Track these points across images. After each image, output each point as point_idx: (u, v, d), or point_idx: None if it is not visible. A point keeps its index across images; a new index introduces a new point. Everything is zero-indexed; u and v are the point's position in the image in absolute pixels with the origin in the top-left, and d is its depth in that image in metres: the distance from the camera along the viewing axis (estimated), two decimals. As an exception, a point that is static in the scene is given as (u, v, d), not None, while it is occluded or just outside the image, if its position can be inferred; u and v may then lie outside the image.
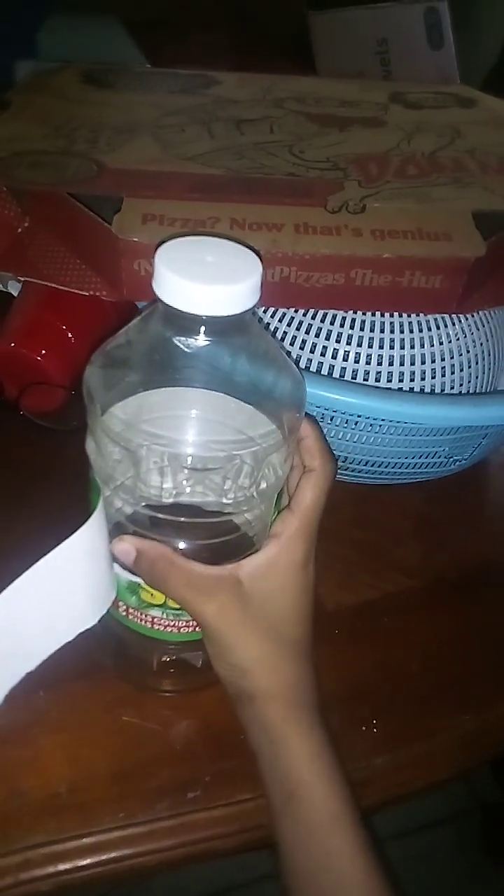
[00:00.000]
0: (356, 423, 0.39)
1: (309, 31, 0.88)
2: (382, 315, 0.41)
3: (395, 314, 0.41)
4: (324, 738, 0.30)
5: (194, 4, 0.98)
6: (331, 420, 0.39)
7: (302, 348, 0.41)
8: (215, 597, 0.29)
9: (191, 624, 0.32)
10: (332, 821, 0.29)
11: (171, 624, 0.32)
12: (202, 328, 0.26)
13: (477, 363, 0.44)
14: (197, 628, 0.32)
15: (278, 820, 0.29)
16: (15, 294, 0.48)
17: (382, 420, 0.38)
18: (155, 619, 0.32)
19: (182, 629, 0.32)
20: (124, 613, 0.32)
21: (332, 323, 0.41)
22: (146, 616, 0.32)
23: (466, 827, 0.94)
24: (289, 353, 0.41)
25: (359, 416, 0.38)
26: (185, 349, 0.27)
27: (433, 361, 0.42)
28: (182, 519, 0.29)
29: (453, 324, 0.42)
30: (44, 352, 0.44)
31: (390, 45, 0.87)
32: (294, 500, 0.30)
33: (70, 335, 0.45)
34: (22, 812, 0.31)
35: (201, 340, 0.26)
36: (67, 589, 0.29)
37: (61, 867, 0.30)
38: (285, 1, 0.97)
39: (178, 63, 0.56)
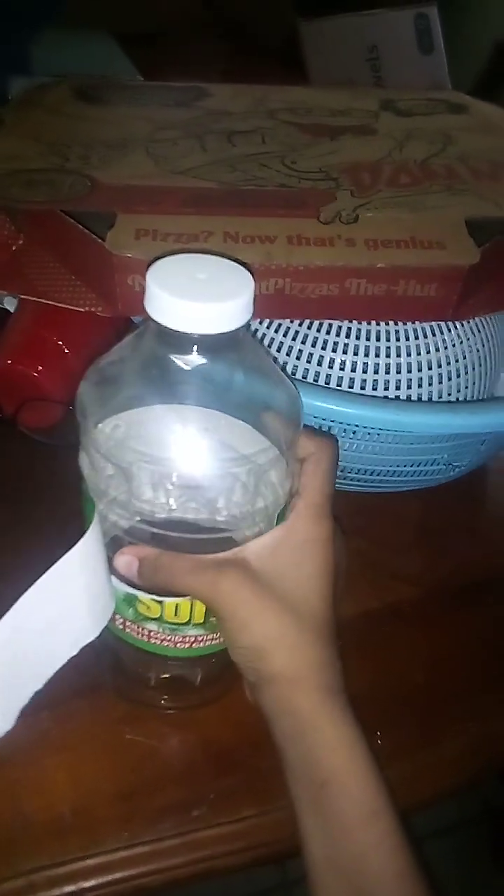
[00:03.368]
0: (354, 433, 0.39)
1: (300, 38, 0.88)
2: (377, 323, 0.41)
3: (389, 322, 0.41)
4: (357, 725, 0.28)
5: (185, 15, 0.99)
6: (328, 430, 0.39)
7: (298, 358, 0.41)
8: (225, 573, 0.27)
9: (187, 640, 0.32)
10: (370, 814, 0.27)
11: (168, 638, 0.31)
12: (194, 346, 0.26)
13: (472, 370, 0.44)
14: (194, 644, 0.32)
15: (307, 813, 0.27)
16: (11, 310, 0.48)
17: (380, 429, 0.38)
18: (152, 633, 0.31)
19: (178, 644, 0.32)
20: (121, 627, 0.32)
21: (327, 332, 0.41)
22: (143, 629, 0.31)
23: (474, 834, 0.93)
24: (283, 365, 0.41)
25: (356, 426, 0.38)
26: (178, 367, 0.26)
27: (429, 368, 0.42)
28: (176, 534, 0.29)
29: (449, 330, 0.42)
30: (40, 368, 0.44)
31: (381, 52, 0.87)
32: (300, 484, 0.29)
33: (66, 350, 0.45)
34: (25, 834, 0.30)
35: (194, 358, 0.26)
36: (68, 604, 0.28)
37: (66, 890, 0.30)
38: (276, 9, 0.98)
39: (171, 74, 0.57)
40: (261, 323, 0.41)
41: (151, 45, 0.84)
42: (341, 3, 0.87)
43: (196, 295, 0.25)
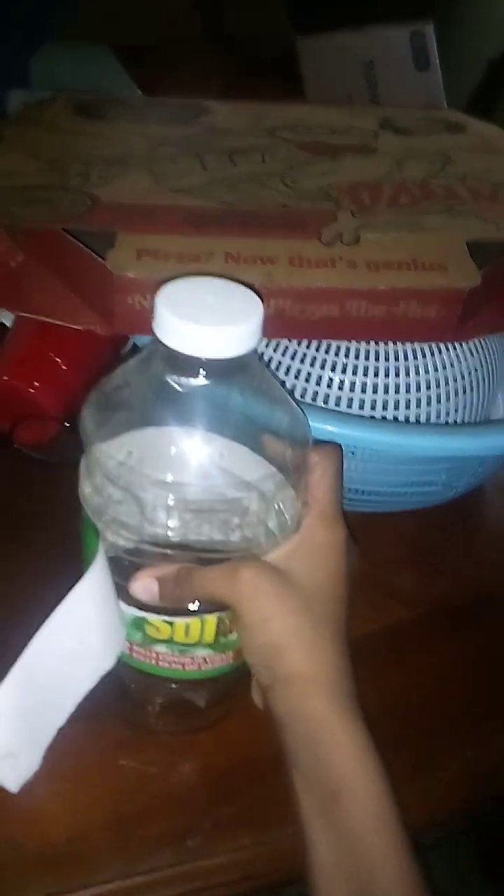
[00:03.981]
0: (353, 453, 0.39)
1: (297, 54, 0.89)
2: (376, 343, 0.41)
3: (388, 342, 0.41)
4: (368, 732, 0.27)
5: (183, 30, 0.99)
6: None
7: (297, 377, 0.41)
8: (245, 565, 0.27)
9: (195, 661, 0.31)
10: (382, 823, 0.26)
11: (177, 660, 0.31)
12: (202, 370, 0.26)
13: (470, 390, 0.44)
14: (202, 665, 0.31)
15: (316, 820, 0.27)
16: (8, 325, 0.48)
17: (379, 450, 0.38)
18: (160, 656, 0.31)
19: (187, 666, 0.31)
20: (129, 652, 0.32)
21: (325, 351, 0.41)
22: (151, 652, 0.31)
23: (462, 845, 0.92)
24: (282, 383, 0.41)
25: (355, 447, 0.38)
26: (186, 390, 0.26)
27: (427, 388, 0.42)
28: (187, 554, 0.29)
29: (447, 350, 0.42)
30: (37, 384, 0.44)
31: (377, 68, 0.88)
32: (307, 495, 0.29)
33: (64, 367, 0.45)
34: (18, 864, 0.30)
35: (202, 382, 0.26)
36: (82, 637, 0.28)
37: (59, 922, 0.29)
38: (273, 25, 0.98)
39: (168, 88, 0.57)
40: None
41: (148, 58, 0.84)
42: (339, 19, 0.87)
43: (205, 319, 0.25)
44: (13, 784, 0.30)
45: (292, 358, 0.42)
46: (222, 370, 0.26)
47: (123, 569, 0.29)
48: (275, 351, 0.42)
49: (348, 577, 0.29)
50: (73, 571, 0.28)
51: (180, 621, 0.30)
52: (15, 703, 0.27)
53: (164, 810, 0.32)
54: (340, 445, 0.31)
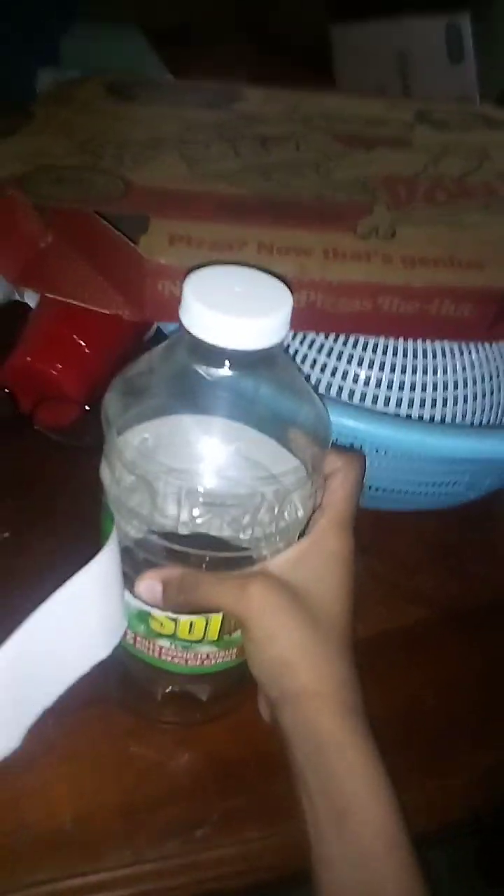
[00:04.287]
0: (376, 451, 0.38)
1: (329, 41, 0.88)
2: (404, 340, 0.40)
3: (416, 339, 0.40)
4: (377, 749, 0.27)
5: (214, 14, 0.98)
6: (350, 446, 0.38)
7: (323, 371, 0.41)
8: (253, 580, 0.27)
9: (199, 656, 0.31)
10: (390, 844, 0.26)
11: (180, 655, 0.31)
12: (228, 361, 0.25)
13: (497, 392, 0.43)
14: (205, 661, 0.31)
15: (323, 837, 0.26)
16: (32, 305, 0.48)
17: (408, 450, 0.37)
18: (163, 650, 0.31)
19: (190, 662, 0.31)
20: (132, 642, 0.31)
21: (353, 346, 0.40)
22: (154, 645, 0.31)
23: (461, 847, 0.93)
24: (307, 377, 0.41)
25: (388, 447, 0.37)
26: (210, 380, 0.26)
27: (455, 388, 0.41)
28: (195, 551, 0.28)
29: (476, 350, 0.42)
30: (59, 366, 0.44)
31: (410, 59, 0.86)
32: (323, 499, 0.29)
33: (87, 350, 0.44)
34: (26, 846, 0.30)
35: (226, 372, 0.25)
36: (81, 621, 0.28)
37: (66, 905, 0.29)
38: (306, 11, 0.97)
39: (199, 73, 0.56)
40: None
41: (179, 41, 0.83)
42: (374, 8, 0.86)
43: (233, 309, 0.24)
44: None
45: (318, 351, 0.41)
46: (247, 362, 0.25)
47: (135, 560, 0.29)
48: (301, 343, 0.41)
49: (354, 588, 0.29)
50: (87, 554, 0.28)
51: (185, 619, 0.29)
52: (2, 677, 0.27)
53: (172, 799, 0.32)
54: (364, 456, 0.31)
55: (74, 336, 0.44)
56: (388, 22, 0.85)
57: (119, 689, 0.35)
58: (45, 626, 0.26)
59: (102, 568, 0.27)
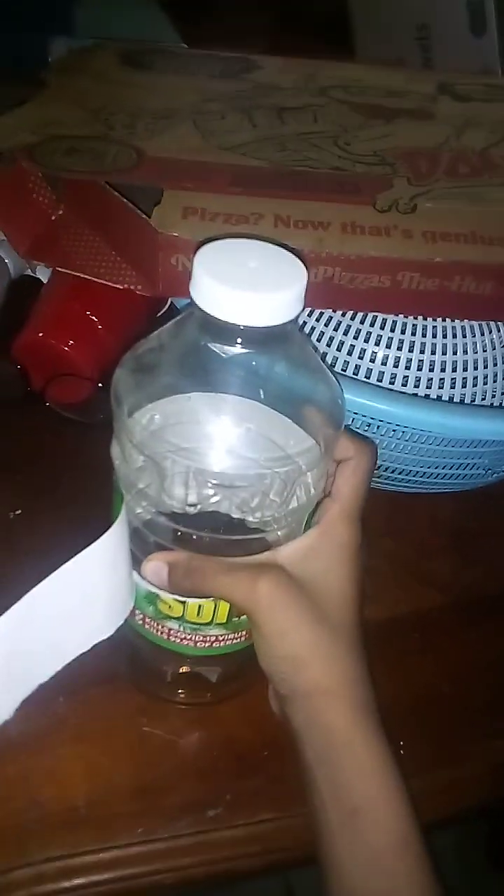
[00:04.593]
0: (393, 432, 0.37)
1: (349, 12, 0.85)
2: (424, 318, 0.39)
3: (435, 318, 0.39)
4: (389, 746, 0.27)
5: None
6: (367, 427, 0.37)
7: (339, 349, 0.40)
8: (263, 577, 0.27)
9: (207, 639, 0.31)
10: (402, 843, 0.26)
11: (188, 637, 0.30)
12: (240, 338, 0.24)
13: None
14: (214, 643, 0.31)
15: (334, 837, 0.26)
16: (44, 280, 0.47)
17: (424, 431, 0.36)
18: (171, 631, 0.30)
19: (199, 644, 0.31)
20: (140, 622, 0.31)
21: (371, 325, 0.39)
22: (163, 627, 0.31)
23: (469, 833, 0.93)
24: (323, 356, 0.40)
25: (398, 426, 0.36)
26: (222, 357, 0.25)
27: (475, 368, 0.40)
28: (206, 534, 0.28)
29: (498, 330, 0.41)
30: (72, 342, 0.43)
31: (431, 31, 0.84)
32: (334, 487, 0.29)
33: (99, 326, 0.44)
34: (39, 824, 0.30)
35: (239, 350, 0.25)
36: (85, 599, 0.27)
37: (77, 882, 0.29)
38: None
39: (214, 42, 0.54)
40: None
41: (195, 11, 0.81)
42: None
43: (245, 284, 0.23)
44: None
45: (335, 329, 0.40)
46: (260, 339, 0.24)
47: (145, 542, 0.29)
48: (317, 321, 0.41)
49: (362, 580, 0.29)
50: (97, 532, 0.28)
51: (193, 601, 0.29)
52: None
53: (185, 779, 0.32)
54: (375, 444, 0.30)
55: (87, 312, 0.44)
56: (409, -8, 0.83)
57: (129, 669, 0.34)
58: (46, 601, 0.26)
59: (108, 547, 0.27)
